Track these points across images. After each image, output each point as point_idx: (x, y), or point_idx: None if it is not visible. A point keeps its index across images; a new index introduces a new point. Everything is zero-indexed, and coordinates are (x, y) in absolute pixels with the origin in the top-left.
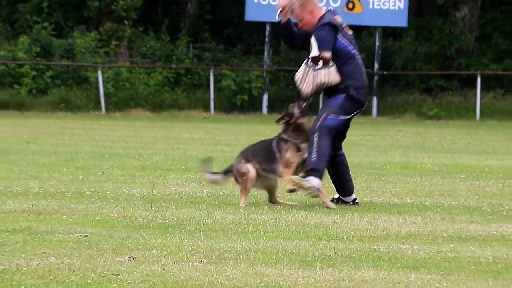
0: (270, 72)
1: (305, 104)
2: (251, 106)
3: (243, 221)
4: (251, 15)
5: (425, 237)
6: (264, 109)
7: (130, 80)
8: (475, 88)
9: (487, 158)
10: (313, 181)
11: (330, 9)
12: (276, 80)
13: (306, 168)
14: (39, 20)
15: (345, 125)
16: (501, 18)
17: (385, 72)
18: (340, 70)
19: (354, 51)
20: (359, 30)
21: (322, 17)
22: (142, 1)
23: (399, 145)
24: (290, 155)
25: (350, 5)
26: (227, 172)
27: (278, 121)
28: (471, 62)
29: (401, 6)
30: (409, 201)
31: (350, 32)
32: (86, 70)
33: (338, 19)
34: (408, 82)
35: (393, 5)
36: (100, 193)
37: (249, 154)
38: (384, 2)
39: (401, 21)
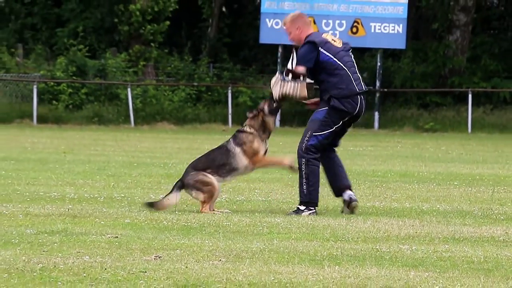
0: None
1: (275, 105)
2: None
3: (258, 224)
4: (265, 38)
5: (423, 238)
6: (277, 123)
7: (156, 96)
8: (467, 104)
9: (478, 167)
10: (311, 210)
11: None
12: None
13: (300, 200)
14: (75, 43)
15: (335, 133)
16: (490, 41)
17: (385, 90)
18: (326, 81)
19: (339, 63)
20: (362, 52)
21: (307, 36)
22: (167, 25)
23: (399, 155)
24: (257, 144)
25: (354, 29)
26: (179, 188)
27: (248, 113)
28: (463, 80)
29: (400, 30)
30: (408, 205)
31: (338, 45)
32: (117, 88)
33: (327, 36)
34: (407, 99)
35: (392, 30)
36: (129, 199)
37: (202, 165)
38: (385, 26)
39: (400, 44)
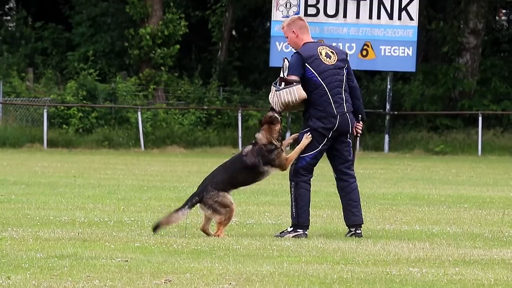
0: (292, 112)
1: (275, 115)
2: None
3: (268, 247)
4: (275, 61)
5: (433, 261)
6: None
7: (166, 120)
8: (477, 126)
9: (488, 189)
10: (298, 232)
11: (318, 41)
12: (297, 119)
13: (291, 222)
14: (85, 67)
15: (322, 152)
16: (500, 64)
17: (395, 112)
18: (306, 98)
19: (322, 83)
20: (372, 75)
21: (303, 44)
22: (177, 49)
23: (409, 178)
24: (284, 155)
25: (364, 52)
26: (191, 205)
27: (268, 119)
28: (473, 103)
29: (410, 53)
30: (418, 228)
31: (331, 62)
32: (127, 112)
33: (322, 50)
34: (417, 121)
35: (402, 52)
36: (139, 222)
37: (223, 185)
38: (395, 49)
39: (410, 67)
